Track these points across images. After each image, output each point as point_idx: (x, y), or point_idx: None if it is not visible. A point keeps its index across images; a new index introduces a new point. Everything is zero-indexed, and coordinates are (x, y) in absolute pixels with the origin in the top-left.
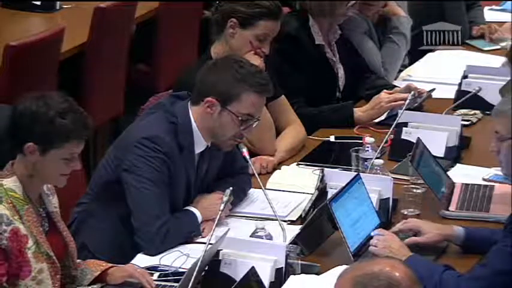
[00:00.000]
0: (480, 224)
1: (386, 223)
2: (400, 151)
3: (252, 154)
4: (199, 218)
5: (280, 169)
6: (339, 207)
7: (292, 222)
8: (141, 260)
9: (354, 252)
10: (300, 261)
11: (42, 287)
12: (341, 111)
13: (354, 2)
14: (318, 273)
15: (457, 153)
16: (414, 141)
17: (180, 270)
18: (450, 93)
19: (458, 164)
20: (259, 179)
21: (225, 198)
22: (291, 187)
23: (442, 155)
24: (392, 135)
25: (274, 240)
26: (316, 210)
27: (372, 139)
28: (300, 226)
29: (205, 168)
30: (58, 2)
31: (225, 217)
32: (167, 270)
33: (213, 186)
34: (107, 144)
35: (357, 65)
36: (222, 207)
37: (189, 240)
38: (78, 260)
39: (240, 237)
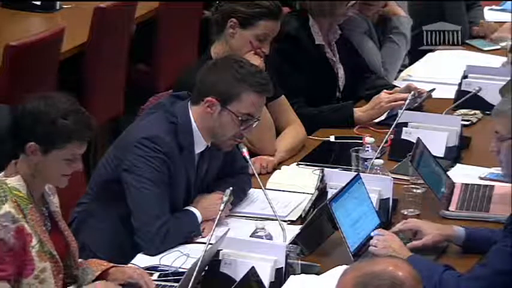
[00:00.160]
0: (480, 224)
1: (386, 223)
2: (400, 151)
3: (252, 154)
4: (199, 218)
5: (280, 169)
6: (339, 207)
7: (292, 222)
8: (141, 260)
9: (354, 252)
10: (300, 261)
11: (44, 286)
12: (341, 111)
13: (354, 2)
14: (318, 273)
15: (457, 153)
16: (414, 141)
17: (180, 270)
18: (450, 93)
19: (458, 164)
20: (259, 179)
21: (225, 198)
22: (291, 187)
23: (442, 155)
24: (392, 135)
25: (274, 240)
26: (316, 210)
27: (372, 139)
28: (300, 226)
29: (205, 168)
30: (58, 2)
31: (225, 217)
32: (167, 270)
33: (213, 186)
34: (107, 144)
35: (357, 65)
36: (222, 207)
37: (189, 240)
38: (80, 260)
39: (240, 237)
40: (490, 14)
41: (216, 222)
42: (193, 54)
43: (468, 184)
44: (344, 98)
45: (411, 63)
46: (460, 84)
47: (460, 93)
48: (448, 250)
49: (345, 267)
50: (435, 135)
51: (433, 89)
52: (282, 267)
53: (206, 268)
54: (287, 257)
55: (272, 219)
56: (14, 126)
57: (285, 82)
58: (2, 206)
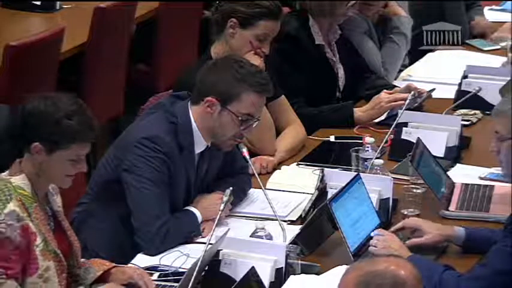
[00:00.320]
0: (480, 224)
1: (386, 223)
2: (400, 151)
3: (252, 154)
4: (199, 218)
5: (280, 169)
6: (339, 207)
7: (292, 222)
8: (141, 260)
9: (354, 252)
10: (300, 261)
11: (48, 284)
12: (341, 111)
13: (354, 2)
14: (318, 273)
15: (457, 153)
16: (414, 141)
17: (180, 270)
18: (450, 93)
19: (458, 164)
20: (259, 179)
21: (225, 198)
22: (291, 187)
23: (442, 155)
24: (392, 135)
25: (274, 240)
26: (316, 210)
27: (372, 139)
28: (300, 226)
29: (205, 168)
30: (58, 2)
31: (225, 217)
32: (167, 270)
33: (213, 186)
34: (107, 144)
35: (357, 65)
36: (222, 207)
37: (189, 240)
38: (83, 260)
39: (240, 237)
40: (490, 14)
41: (216, 222)
42: (193, 54)
43: (468, 184)
44: (344, 98)
45: (411, 63)
46: (460, 84)
47: (460, 93)
48: (448, 250)
49: (345, 267)
50: (435, 135)
51: (433, 89)
52: (282, 267)
53: (206, 268)
54: (287, 257)
55: (272, 219)
56: (19, 125)
57: (285, 82)
58: (7, 204)
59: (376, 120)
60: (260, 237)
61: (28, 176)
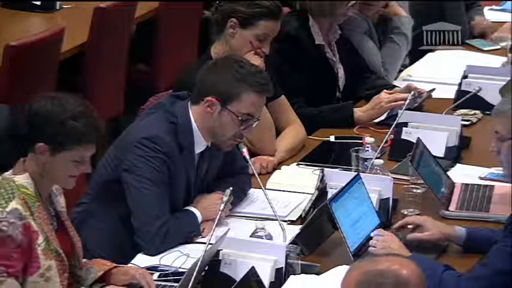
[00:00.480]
0: (480, 224)
1: (386, 223)
2: (400, 151)
3: (252, 154)
4: (199, 218)
5: (280, 169)
6: (339, 207)
7: (292, 222)
8: (141, 260)
9: (354, 252)
10: (300, 261)
11: (50, 284)
12: (341, 111)
13: (354, 2)
14: (318, 273)
15: (457, 153)
16: (414, 141)
17: (180, 270)
18: (450, 93)
19: (458, 164)
20: (259, 179)
21: (225, 198)
22: (291, 187)
23: (442, 155)
24: (392, 135)
25: (274, 240)
26: (316, 210)
27: (372, 139)
28: (300, 226)
29: (205, 168)
30: (58, 2)
31: (225, 217)
32: (167, 270)
33: (213, 186)
34: (107, 144)
35: (357, 65)
36: (222, 207)
37: (189, 240)
38: (84, 260)
39: (240, 237)
40: (490, 14)
41: (216, 222)
42: (193, 54)
43: (468, 184)
44: (344, 98)
45: (411, 63)
46: (460, 84)
47: (460, 93)
48: (448, 250)
49: (345, 267)
50: (435, 135)
51: (433, 89)
52: (282, 267)
53: (206, 268)
54: (287, 257)
55: (272, 219)
56: (25, 125)
57: (285, 82)
58: (10, 202)
59: (376, 120)
60: (260, 237)
61: (31, 176)
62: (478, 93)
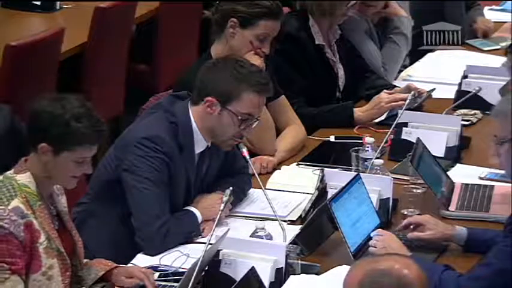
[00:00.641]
0: (480, 224)
1: (386, 223)
2: (400, 151)
3: (252, 154)
4: (199, 218)
5: (280, 169)
6: (339, 207)
7: (292, 222)
8: (141, 260)
9: (354, 252)
10: (300, 261)
11: (52, 282)
12: (341, 111)
13: (354, 2)
14: (318, 273)
15: (457, 153)
16: (414, 141)
17: (180, 270)
18: (450, 93)
19: (458, 164)
20: (259, 179)
21: (225, 198)
22: (291, 187)
23: (442, 155)
24: (392, 135)
25: (274, 240)
26: (316, 210)
27: (372, 139)
28: (300, 226)
29: (205, 168)
30: (58, 2)
31: (225, 217)
32: (167, 270)
33: (213, 186)
34: (107, 144)
35: (356, 65)
36: (222, 207)
37: (189, 240)
38: (85, 260)
39: (240, 237)
40: (490, 14)
41: (216, 222)
42: (193, 54)
43: (468, 184)
44: (344, 98)
45: (411, 63)
46: (460, 84)
47: (460, 93)
48: (448, 250)
49: (345, 267)
50: (435, 135)
51: (433, 89)
52: (282, 267)
53: (206, 268)
54: (287, 257)
55: (272, 219)
56: (27, 126)
57: (285, 82)
58: (11, 201)
59: (376, 120)
60: (260, 237)
61: (33, 175)
62: (478, 93)
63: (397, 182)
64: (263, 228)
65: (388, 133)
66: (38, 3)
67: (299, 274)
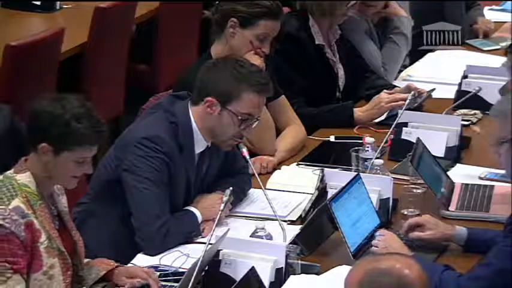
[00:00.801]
0: (480, 224)
1: (386, 223)
2: (400, 151)
3: (252, 154)
4: (199, 218)
5: (280, 169)
6: (339, 207)
7: (292, 222)
8: (141, 260)
9: (354, 252)
10: (300, 261)
11: (53, 282)
12: (341, 111)
13: (354, 2)
14: (318, 273)
15: (457, 153)
16: (414, 141)
17: (180, 270)
18: (450, 93)
19: (458, 164)
20: (259, 179)
21: (225, 198)
22: (291, 187)
23: (442, 155)
24: (392, 135)
25: (274, 240)
26: (316, 210)
27: (372, 139)
28: (300, 226)
29: (205, 168)
30: (58, 2)
31: (225, 217)
32: (167, 270)
33: (213, 186)
34: (107, 144)
35: (356, 65)
36: (222, 207)
37: (189, 240)
38: (86, 260)
39: (240, 237)
40: (490, 14)
41: (216, 222)
42: (193, 54)
43: (468, 184)
44: (344, 98)
45: (411, 63)
46: (460, 84)
47: (460, 93)
48: (448, 250)
49: (345, 267)
50: (435, 135)
51: (433, 89)
52: (282, 267)
53: (206, 268)
54: (287, 257)
55: (272, 219)
56: (27, 126)
57: (285, 82)
58: (12, 200)
59: (376, 120)
60: (260, 237)
61: (33, 175)
62: (478, 93)
63: (397, 182)
64: (263, 228)
65: (388, 133)
66: (38, 3)
67: (299, 274)
